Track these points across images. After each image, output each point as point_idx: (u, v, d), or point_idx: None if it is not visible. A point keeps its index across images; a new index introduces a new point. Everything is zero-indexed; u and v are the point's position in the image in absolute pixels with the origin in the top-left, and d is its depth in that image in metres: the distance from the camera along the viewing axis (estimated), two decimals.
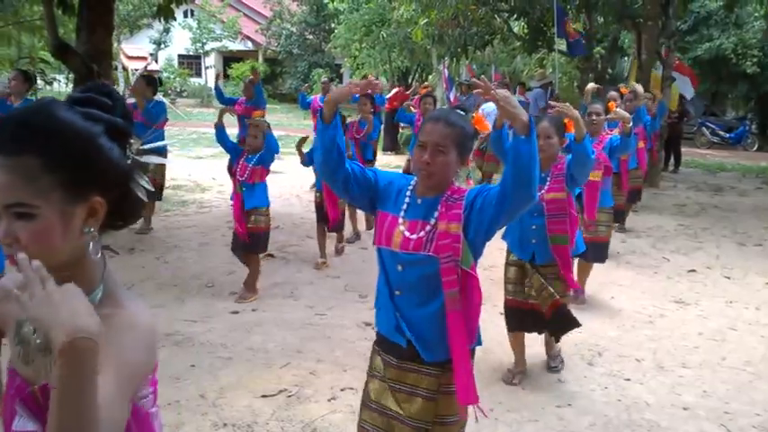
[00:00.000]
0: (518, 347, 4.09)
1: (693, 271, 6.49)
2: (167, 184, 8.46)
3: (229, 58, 37.81)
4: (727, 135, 19.41)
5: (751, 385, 4.05)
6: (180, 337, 4.48)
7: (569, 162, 3.84)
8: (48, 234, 1.09)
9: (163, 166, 6.95)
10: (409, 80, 28.73)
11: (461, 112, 2.37)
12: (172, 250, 6.62)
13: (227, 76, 37.69)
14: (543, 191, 3.81)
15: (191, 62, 38.85)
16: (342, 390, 3.85)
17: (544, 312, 3.82)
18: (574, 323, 3.89)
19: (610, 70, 18.15)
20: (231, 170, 5.92)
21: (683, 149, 16.92)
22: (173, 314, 4.90)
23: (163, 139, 5.89)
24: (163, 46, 31.63)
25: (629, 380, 4.07)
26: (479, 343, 2.33)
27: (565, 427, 3.50)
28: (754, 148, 19.20)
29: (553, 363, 4.23)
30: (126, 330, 1.15)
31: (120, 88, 29.51)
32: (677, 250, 7.28)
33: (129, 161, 1.20)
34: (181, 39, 33.67)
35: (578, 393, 3.88)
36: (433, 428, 2.28)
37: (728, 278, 6.31)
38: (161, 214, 7.94)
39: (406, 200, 2.30)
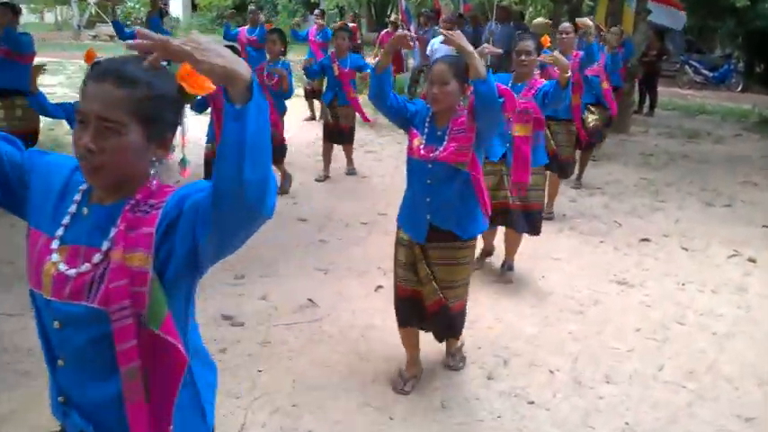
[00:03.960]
0: (410, 347, 3.30)
1: (646, 240, 5.54)
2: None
3: None
4: (711, 74, 18.26)
5: (688, 410, 3.14)
6: None
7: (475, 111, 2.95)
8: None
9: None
10: (388, 12, 27.10)
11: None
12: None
13: (194, 6, 35.86)
14: (438, 152, 2.96)
15: None
16: None
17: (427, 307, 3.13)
18: (457, 329, 3.25)
19: (590, 1, 16.83)
20: None
21: (663, 89, 15.85)
22: None
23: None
24: None
25: (532, 403, 3.15)
26: None
27: None
28: (739, 89, 18.07)
29: (452, 361, 3.44)
30: None
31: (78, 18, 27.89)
32: (633, 211, 6.33)
33: None
34: None
35: (462, 427, 2.97)
36: None
37: (686, 249, 5.38)
38: None
39: (71, 210, 1.38)
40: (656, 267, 4.97)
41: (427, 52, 10.47)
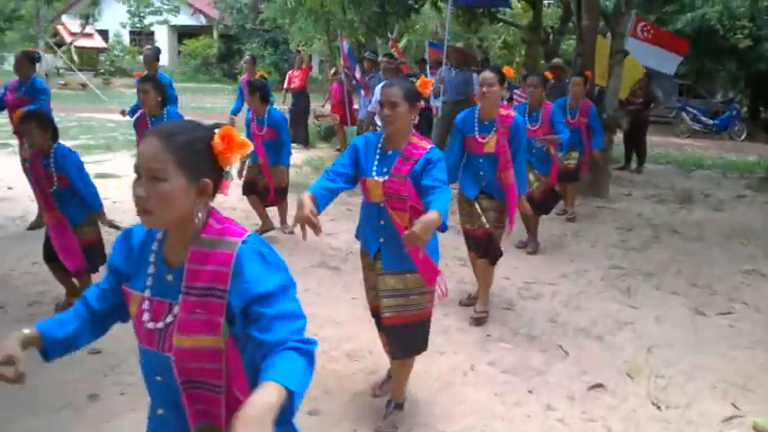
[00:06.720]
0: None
1: (600, 387, 3.66)
2: None
3: (183, 34, 35.94)
4: (711, 121, 16.55)
5: None
6: None
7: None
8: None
9: None
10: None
11: None
12: None
13: (179, 53, 35.26)
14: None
15: (142, 39, 36.73)
16: None
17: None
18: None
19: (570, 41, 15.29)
20: None
21: (658, 138, 14.23)
22: None
23: None
24: (91, 20, 28.57)
25: None
26: None
27: None
28: (742, 138, 16.34)
29: None
30: None
31: (46, 66, 26.78)
32: (590, 328, 4.45)
33: None
34: (120, 13, 31.13)
35: None
36: None
37: (658, 407, 3.48)
38: None
39: None
40: None
41: (372, 103, 8.79)
